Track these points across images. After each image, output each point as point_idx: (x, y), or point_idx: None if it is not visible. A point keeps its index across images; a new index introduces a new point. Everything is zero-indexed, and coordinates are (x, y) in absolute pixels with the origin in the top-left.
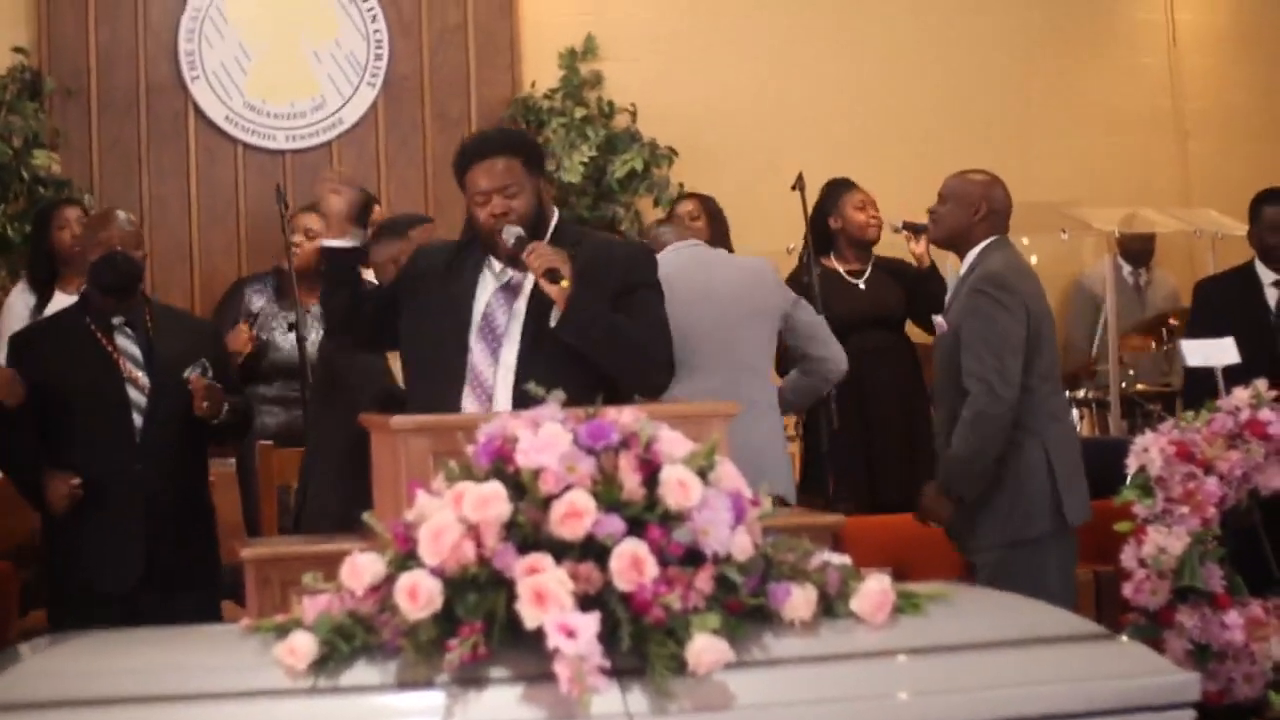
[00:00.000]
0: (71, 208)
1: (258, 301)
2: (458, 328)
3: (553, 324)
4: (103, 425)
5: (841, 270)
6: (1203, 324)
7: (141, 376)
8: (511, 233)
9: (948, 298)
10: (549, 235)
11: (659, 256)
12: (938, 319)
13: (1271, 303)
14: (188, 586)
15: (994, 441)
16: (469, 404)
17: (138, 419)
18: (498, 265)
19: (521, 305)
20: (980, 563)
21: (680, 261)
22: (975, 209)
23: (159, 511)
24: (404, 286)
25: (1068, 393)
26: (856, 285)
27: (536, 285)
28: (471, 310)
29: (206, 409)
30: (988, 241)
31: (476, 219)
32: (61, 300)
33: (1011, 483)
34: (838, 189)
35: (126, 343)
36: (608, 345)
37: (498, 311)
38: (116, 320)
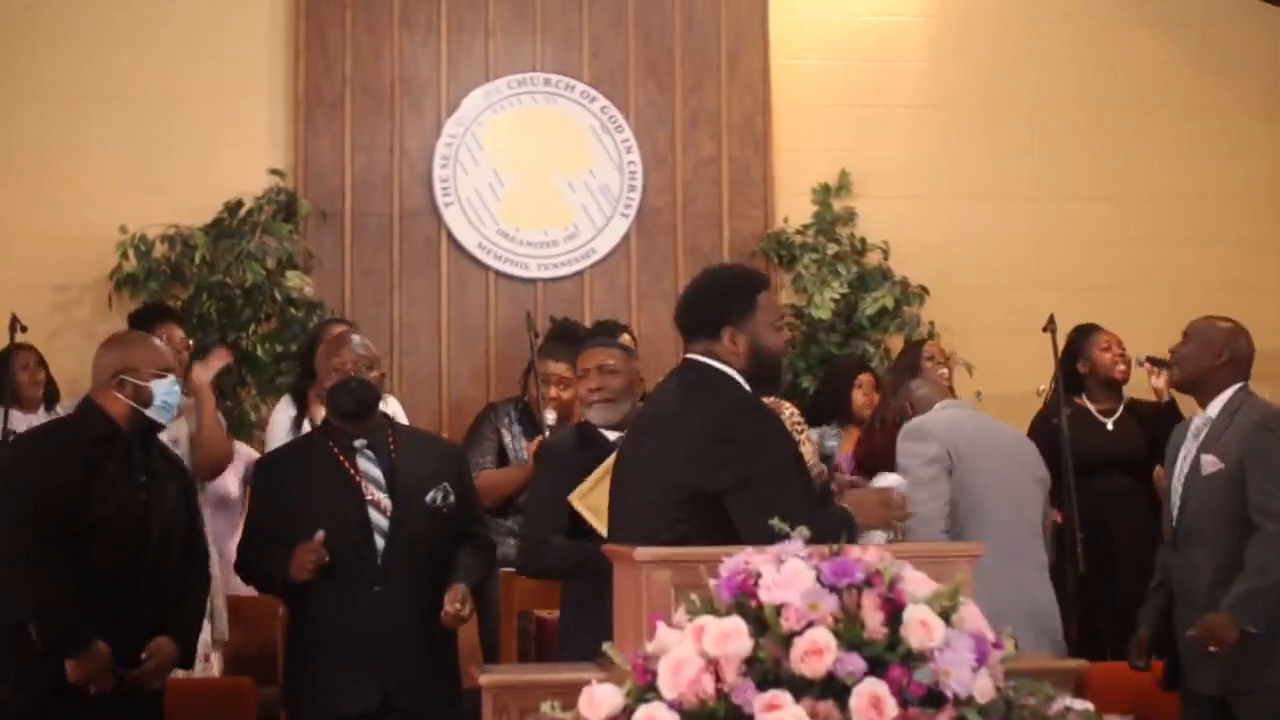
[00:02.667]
0: (340, 326)
1: (506, 430)
2: None
3: None
4: (345, 548)
5: (1093, 409)
6: None
7: (384, 499)
8: None
9: (1195, 439)
10: None
11: (928, 416)
12: (1208, 457)
13: None
14: (427, 712)
15: None
16: None
17: (380, 541)
18: None
19: None
20: (1245, 706)
21: (958, 420)
22: (1219, 353)
23: (400, 636)
24: None
25: None
26: (1105, 424)
27: None
28: None
29: (461, 618)
30: (1238, 386)
31: (772, 344)
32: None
33: None
34: (1085, 333)
35: (368, 465)
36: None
37: None
38: (358, 443)
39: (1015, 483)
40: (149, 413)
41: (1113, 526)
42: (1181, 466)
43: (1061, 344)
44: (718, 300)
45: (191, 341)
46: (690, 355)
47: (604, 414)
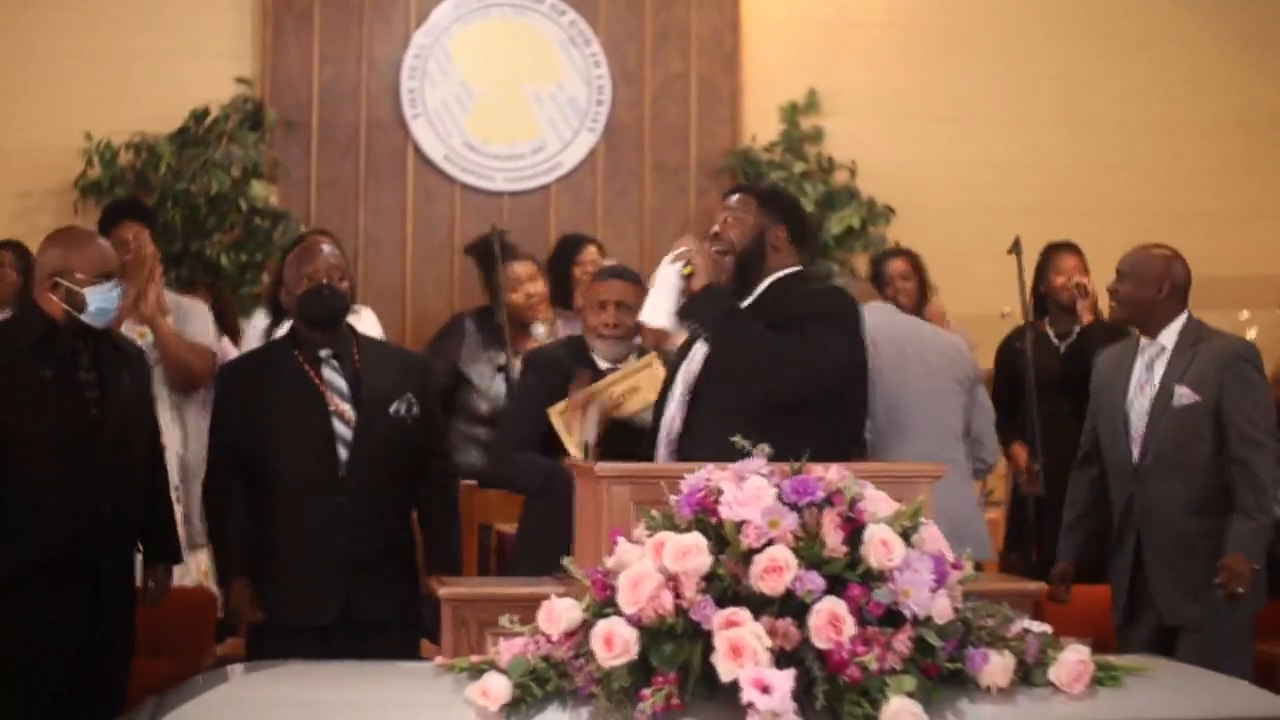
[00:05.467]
0: (322, 237)
1: (471, 339)
2: None
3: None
4: (307, 458)
5: (1050, 334)
6: None
7: (348, 410)
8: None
9: (1150, 369)
10: (765, 286)
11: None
12: (1182, 389)
13: None
14: (388, 623)
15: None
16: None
17: (343, 452)
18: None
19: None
20: (1209, 640)
21: (882, 322)
22: (1159, 286)
23: (361, 548)
24: None
25: None
26: (1059, 348)
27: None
28: None
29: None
30: (1186, 315)
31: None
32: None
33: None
34: (1048, 254)
35: (333, 375)
36: (727, 338)
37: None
38: (324, 353)
39: (937, 387)
40: (84, 318)
41: (1065, 450)
42: (1139, 395)
43: (1033, 266)
44: None
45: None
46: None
47: (612, 349)
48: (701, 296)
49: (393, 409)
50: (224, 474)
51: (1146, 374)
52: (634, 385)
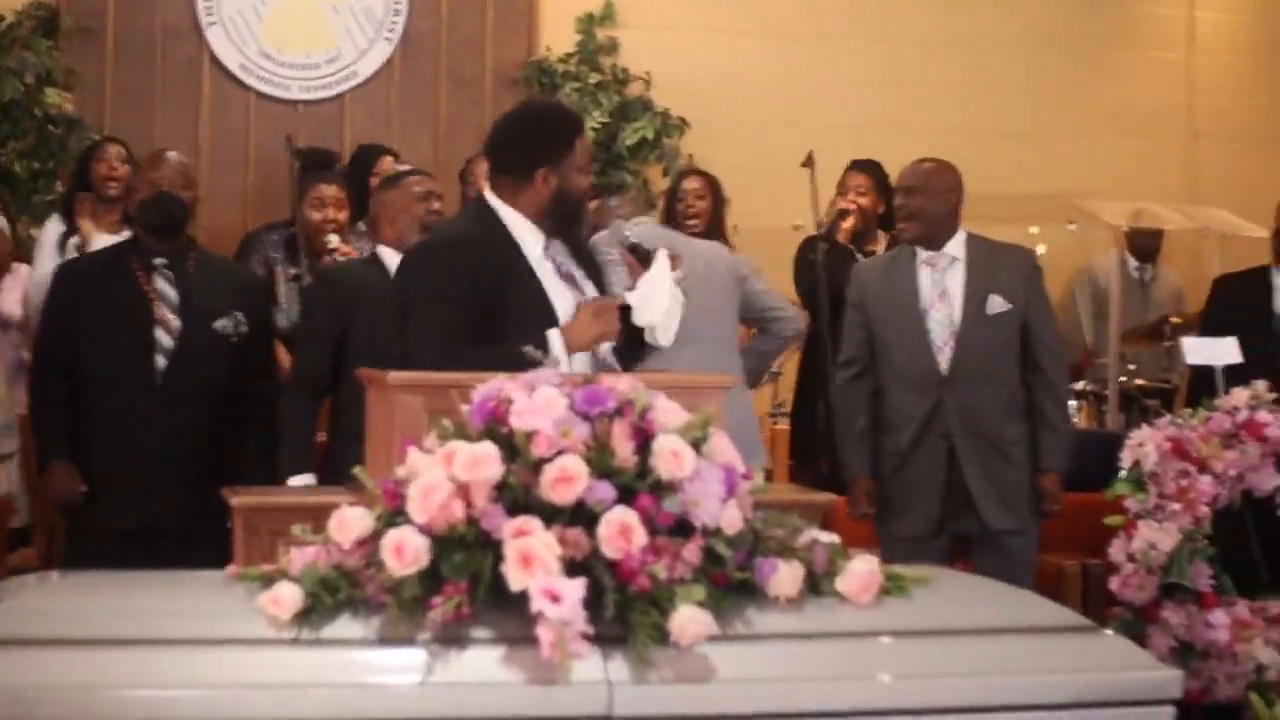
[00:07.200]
0: (114, 145)
1: (271, 257)
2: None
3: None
4: (126, 364)
5: (853, 247)
6: (1215, 321)
7: (173, 319)
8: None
9: (941, 281)
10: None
11: (627, 230)
12: (996, 298)
13: (1277, 310)
14: (197, 535)
15: None
16: None
17: (161, 361)
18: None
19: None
20: (1019, 545)
21: (661, 238)
22: (950, 198)
23: (171, 457)
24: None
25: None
26: (843, 263)
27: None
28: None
29: None
30: (964, 230)
31: (578, 187)
32: (92, 235)
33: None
34: (846, 171)
35: (164, 284)
36: None
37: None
38: (159, 261)
39: (709, 296)
40: None
41: None
42: (938, 305)
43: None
44: (537, 140)
45: None
46: (487, 195)
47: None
48: None
49: (219, 324)
50: (48, 368)
51: (940, 285)
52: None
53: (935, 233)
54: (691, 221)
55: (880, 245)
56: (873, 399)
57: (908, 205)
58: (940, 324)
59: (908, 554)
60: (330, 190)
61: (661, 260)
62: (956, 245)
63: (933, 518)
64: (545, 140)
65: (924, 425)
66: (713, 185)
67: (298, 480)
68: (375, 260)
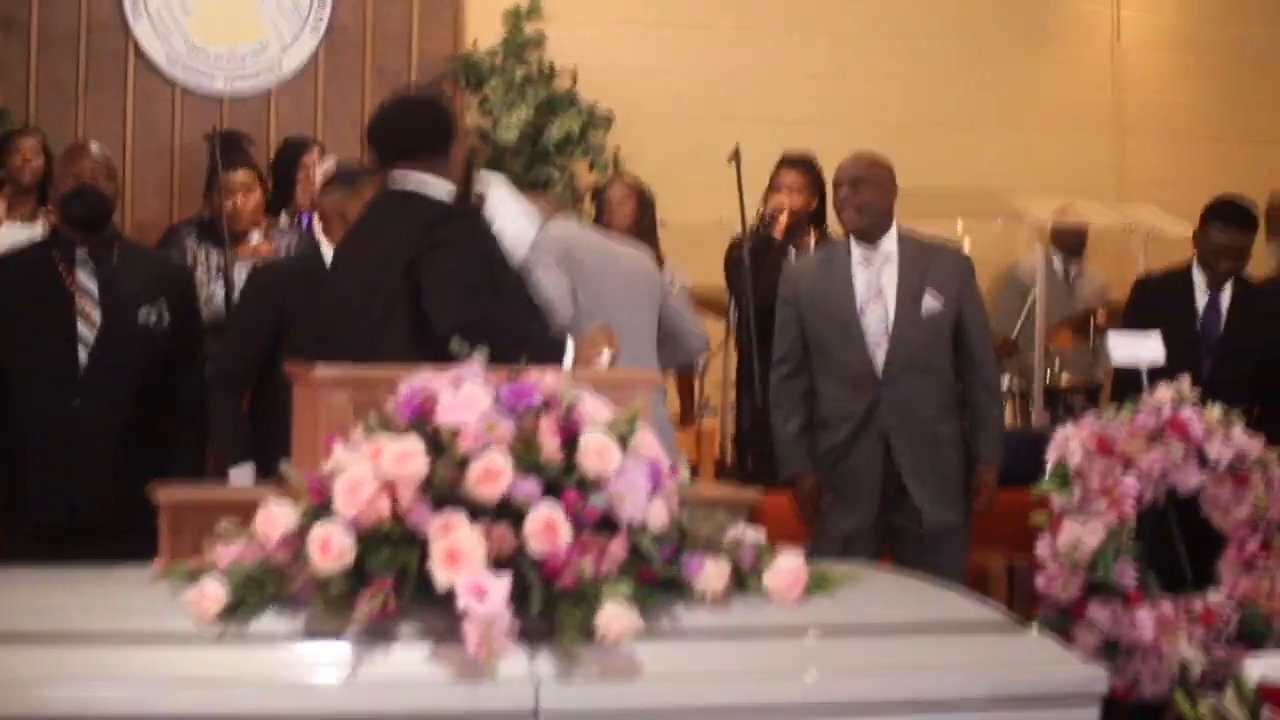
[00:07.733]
0: (29, 137)
1: (191, 248)
2: None
3: None
4: (49, 359)
5: (789, 244)
6: (1137, 321)
7: (94, 312)
8: None
9: (890, 276)
10: None
11: (551, 227)
12: (930, 295)
13: (1200, 309)
14: (120, 529)
15: None
16: None
17: (83, 355)
18: None
19: None
20: (951, 541)
21: (583, 237)
22: (891, 191)
23: (93, 451)
24: None
25: None
26: (778, 260)
27: None
28: None
29: None
30: (895, 225)
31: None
32: (9, 229)
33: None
34: (779, 166)
35: (86, 278)
36: None
37: None
38: (81, 254)
39: (636, 301)
40: None
41: None
42: (874, 302)
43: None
44: (441, 120)
45: None
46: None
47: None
48: None
49: (141, 316)
50: None
51: (875, 284)
52: None
53: (878, 225)
54: (615, 229)
55: (811, 241)
56: (807, 397)
57: (856, 197)
58: (876, 322)
59: (841, 549)
60: (238, 176)
61: (495, 186)
62: (890, 240)
63: (870, 513)
64: (448, 123)
65: (861, 422)
66: (636, 190)
67: (238, 471)
68: (315, 254)
